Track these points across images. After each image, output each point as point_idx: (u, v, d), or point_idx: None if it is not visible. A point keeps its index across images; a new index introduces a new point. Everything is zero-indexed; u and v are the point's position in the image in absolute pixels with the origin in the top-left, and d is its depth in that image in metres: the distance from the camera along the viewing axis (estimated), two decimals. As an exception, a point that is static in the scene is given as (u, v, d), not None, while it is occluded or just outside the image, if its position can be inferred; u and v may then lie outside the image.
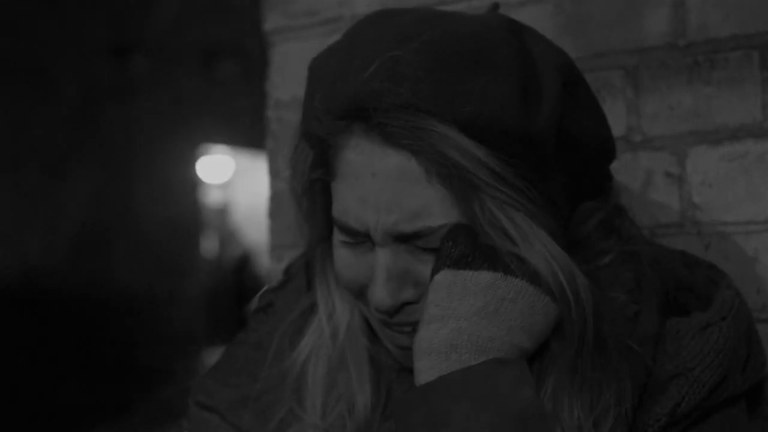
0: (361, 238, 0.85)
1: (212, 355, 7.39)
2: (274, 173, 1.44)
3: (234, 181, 10.58)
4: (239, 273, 9.81)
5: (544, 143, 0.80)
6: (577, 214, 0.89)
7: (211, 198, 9.85)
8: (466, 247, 0.80)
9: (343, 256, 0.88)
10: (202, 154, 8.25)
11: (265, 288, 1.10)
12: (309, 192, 0.91)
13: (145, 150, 6.89)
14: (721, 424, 0.84)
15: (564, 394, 0.81)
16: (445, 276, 0.81)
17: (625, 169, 1.14)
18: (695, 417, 0.83)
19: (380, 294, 0.84)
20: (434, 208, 0.81)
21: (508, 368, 0.78)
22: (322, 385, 0.93)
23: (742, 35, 1.09)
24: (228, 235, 10.46)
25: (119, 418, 5.90)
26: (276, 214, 1.43)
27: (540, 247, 0.80)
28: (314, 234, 0.94)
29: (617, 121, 1.16)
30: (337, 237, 0.88)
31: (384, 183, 0.81)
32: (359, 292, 0.89)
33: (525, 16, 1.19)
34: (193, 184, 7.81)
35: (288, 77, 1.43)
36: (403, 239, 0.83)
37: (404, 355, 0.87)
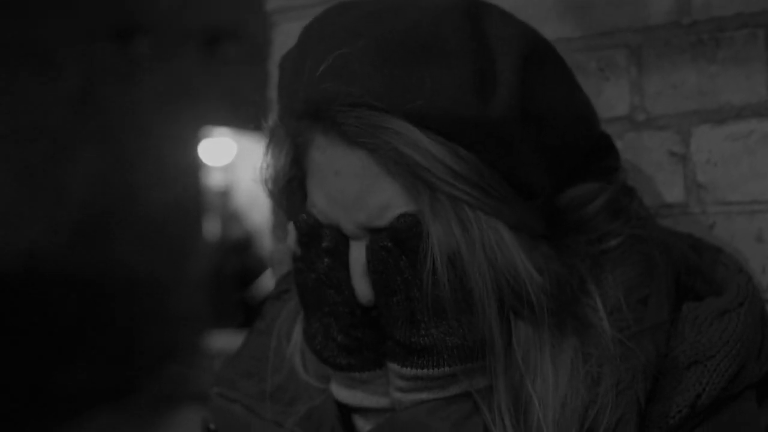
0: None
1: (215, 337, 7.43)
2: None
3: (236, 163, 10.58)
4: (242, 255, 9.82)
5: (507, 127, 0.78)
6: (579, 194, 0.87)
7: (214, 180, 9.84)
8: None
9: None
10: (205, 136, 8.24)
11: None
12: (286, 191, 0.91)
13: (147, 132, 6.88)
14: (734, 415, 0.82)
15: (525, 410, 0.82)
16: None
17: (628, 149, 1.14)
18: (713, 408, 0.82)
19: (358, 287, 0.85)
20: (400, 200, 0.80)
21: (451, 407, 0.82)
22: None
23: (748, 13, 1.08)
24: (230, 218, 10.46)
25: (122, 400, 5.93)
26: (278, 195, 1.43)
27: (483, 257, 0.78)
28: None
29: (621, 100, 1.15)
30: None
31: (348, 182, 0.81)
32: None
33: (528, -6, 1.18)
34: (195, 166, 7.81)
35: (290, 57, 1.41)
36: (378, 232, 0.82)
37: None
